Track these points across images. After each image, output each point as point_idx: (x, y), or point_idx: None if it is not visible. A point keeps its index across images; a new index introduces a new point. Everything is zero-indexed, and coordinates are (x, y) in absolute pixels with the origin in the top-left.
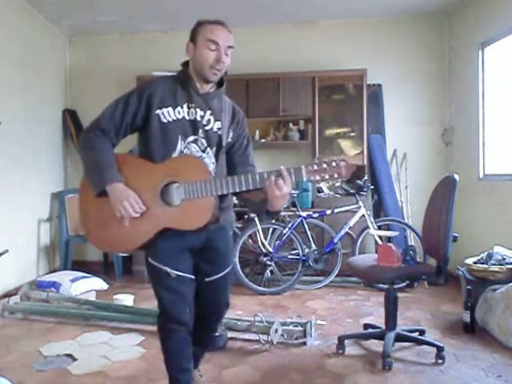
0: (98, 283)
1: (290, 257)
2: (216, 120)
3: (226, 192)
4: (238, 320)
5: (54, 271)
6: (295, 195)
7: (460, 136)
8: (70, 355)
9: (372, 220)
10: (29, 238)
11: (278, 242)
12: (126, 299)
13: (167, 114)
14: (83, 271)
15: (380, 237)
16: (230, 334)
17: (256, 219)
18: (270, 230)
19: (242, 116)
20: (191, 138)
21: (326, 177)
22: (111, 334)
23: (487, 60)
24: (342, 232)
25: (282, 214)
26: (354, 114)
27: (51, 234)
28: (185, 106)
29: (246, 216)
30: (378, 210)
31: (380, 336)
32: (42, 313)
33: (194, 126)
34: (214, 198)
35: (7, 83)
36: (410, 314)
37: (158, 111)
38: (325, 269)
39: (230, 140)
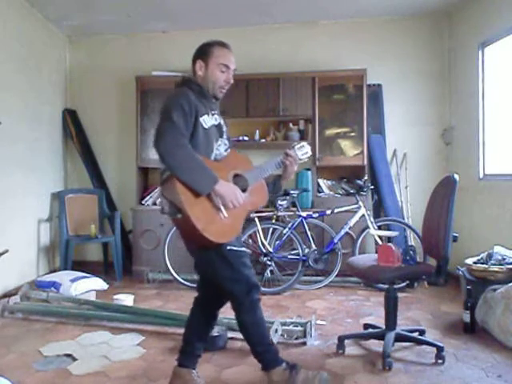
0: (98, 283)
1: (289, 257)
2: (225, 123)
3: (268, 174)
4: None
5: (54, 271)
6: (295, 195)
7: (460, 136)
8: (69, 355)
9: (372, 220)
10: (29, 238)
11: (277, 242)
12: (126, 299)
13: (207, 121)
14: (83, 271)
15: (380, 237)
16: (230, 334)
17: (256, 219)
18: (270, 230)
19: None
20: (220, 141)
21: (304, 152)
22: (111, 334)
23: (487, 60)
24: (342, 232)
25: (282, 214)
26: (354, 114)
27: (51, 234)
28: (210, 113)
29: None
30: (378, 210)
31: (380, 336)
32: (42, 313)
33: (219, 129)
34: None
35: (7, 83)
36: (410, 314)
37: (200, 118)
38: (325, 269)
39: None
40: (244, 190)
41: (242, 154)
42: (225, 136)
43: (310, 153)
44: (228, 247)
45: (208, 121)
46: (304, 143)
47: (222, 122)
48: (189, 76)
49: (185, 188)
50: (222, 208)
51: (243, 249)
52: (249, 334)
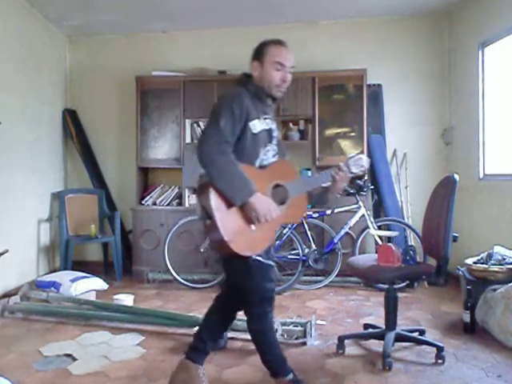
0: (98, 283)
1: (289, 257)
2: (276, 128)
3: (314, 187)
4: (239, 320)
5: (54, 271)
6: None
7: (460, 136)
8: (69, 355)
9: (372, 220)
10: (29, 238)
11: (277, 242)
12: (126, 299)
13: (257, 125)
14: (83, 271)
15: (380, 237)
16: (230, 334)
17: None
18: None
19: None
20: (268, 147)
21: (360, 165)
22: (111, 334)
23: (487, 60)
24: (342, 232)
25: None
26: (354, 114)
27: (51, 234)
28: (262, 117)
29: None
30: (378, 209)
31: (380, 336)
32: (42, 313)
33: (269, 135)
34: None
35: (7, 83)
36: (409, 314)
37: (250, 123)
38: (325, 269)
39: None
40: (283, 202)
41: (290, 164)
42: (274, 142)
43: (366, 166)
44: (254, 257)
45: (258, 126)
46: (362, 156)
47: (274, 126)
48: (248, 74)
49: (218, 196)
50: (254, 221)
51: (270, 262)
52: (257, 341)
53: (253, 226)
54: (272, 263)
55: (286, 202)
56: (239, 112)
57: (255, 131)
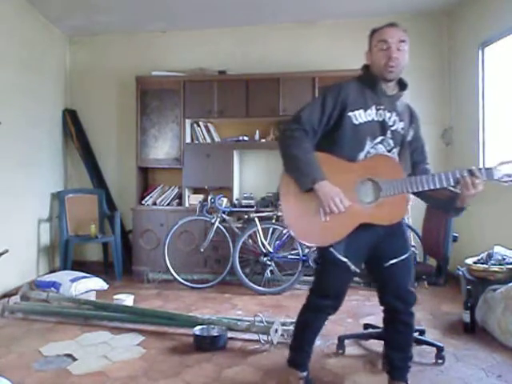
0: (98, 283)
1: (290, 257)
2: (400, 120)
3: (420, 190)
4: (238, 320)
5: (54, 271)
6: None
7: (460, 136)
8: (70, 355)
9: None
10: (29, 238)
11: (277, 242)
12: (126, 299)
13: (359, 116)
14: (83, 271)
15: None
16: (230, 334)
17: (256, 219)
18: (270, 230)
19: (418, 116)
20: (379, 139)
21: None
22: (111, 334)
23: (487, 60)
24: None
25: (281, 213)
26: None
27: (51, 234)
28: (373, 107)
29: (246, 216)
30: None
31: (380, 336)
32: (42, 313)
33: (382, 127)
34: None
35: (7, 83)
36: None
37: (350, 113)
38: None
39: (410, 139)
40: (374, 200)
41: (394, 161)
42: (389, 135)
43: None
44: (331, 249)
45: (362, 116)
46: None
47: (394, 118)
48: (367, 64)
49: (288, 182)
50: (322, 210)
51: (345, 259)
52: (296, 329)
53: (323, 217)
54: (349, 263)
55: (376, 200)
56: (332, 102)
57: (357, 122)
